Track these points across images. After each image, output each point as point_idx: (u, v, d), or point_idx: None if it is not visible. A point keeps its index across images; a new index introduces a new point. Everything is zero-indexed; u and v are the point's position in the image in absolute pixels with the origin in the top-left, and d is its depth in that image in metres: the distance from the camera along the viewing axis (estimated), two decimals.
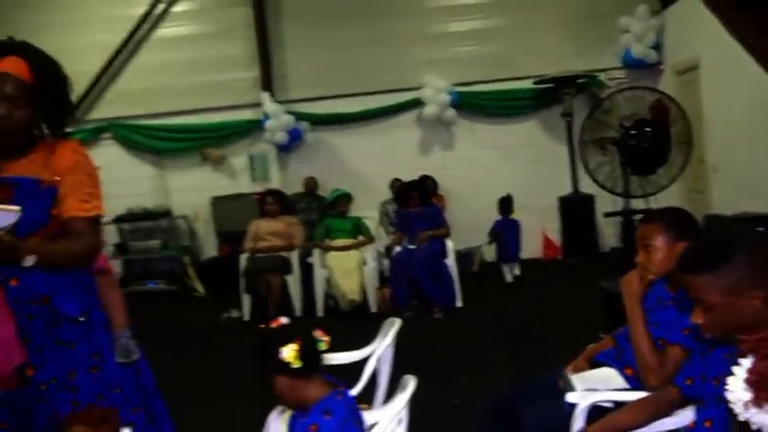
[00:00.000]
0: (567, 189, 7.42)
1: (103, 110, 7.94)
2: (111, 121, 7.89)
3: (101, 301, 1.88)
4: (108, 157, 7.80)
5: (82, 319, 1.72)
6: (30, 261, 1.54)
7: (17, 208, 1.47)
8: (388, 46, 7.59)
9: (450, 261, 5.71)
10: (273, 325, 1.75)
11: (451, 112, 7.36)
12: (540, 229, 7.50)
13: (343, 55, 7.62)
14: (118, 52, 7.71)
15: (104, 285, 1.96)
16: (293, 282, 5.89)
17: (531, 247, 7.31)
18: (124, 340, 1.91)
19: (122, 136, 7.93)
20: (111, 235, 7.77)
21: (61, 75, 1.77)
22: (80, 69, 7.59)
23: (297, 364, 1.62)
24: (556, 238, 7.52)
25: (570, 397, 1.90)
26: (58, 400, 1.67)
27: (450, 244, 5.80)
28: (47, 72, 1.70)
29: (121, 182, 7.64)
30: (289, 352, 1.61)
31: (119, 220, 7.72)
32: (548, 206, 7.46)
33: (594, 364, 2.14)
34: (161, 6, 7.72)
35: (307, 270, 6.05)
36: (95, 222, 1.74)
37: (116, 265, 7.85)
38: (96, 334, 1.78)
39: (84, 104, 7.78)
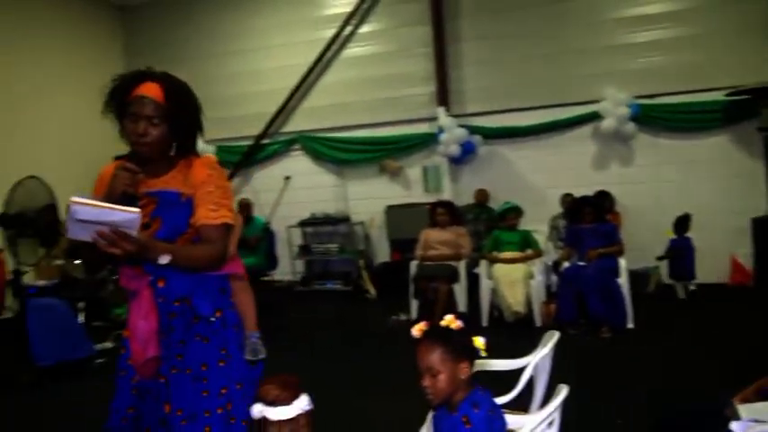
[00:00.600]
0: (762, 210, 6.77)
1: (294, 124, 8.78)
2: (301, 133, 8.70)
3: (233, 303, 2.02)
4: (296, 167, 8.66)
5: (213, 318, 1.89)
6: (164, 260, 1.69)
7: (137, 210, 1.58)
8: (564, 60, 7.50)
9: (623, 280, 5.50)
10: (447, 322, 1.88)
11: (631, 126, 7.06)
12: (727, 252, 6.91)
13: (518, 70, 7.68)
14: (309, 71, 8.48)
15: (238, 289, 2.11)
16: (460, 290, 6.06)
17: (717, 271, 6.79)
18: (253, 340, 2.09)
19: (310, 147, 8.68)
20: (296, 237, 8.55)
21: (193, 99, 1.92)
22: (276, 87, 8.57)
23: (484, 354, 1.77)
24: (747, 262, 6.88)
25: (735, 426, 1.85)
26: (192, 389, 1.83)
27: (623, 262, 5.59)
28: (179, 96, 1.85)
29: (307, 189, 8.42)
30: (480, 341, 1.77)
31: (303, 223, 8.45)
32: (738, 227, 6.84)
33: (764, 396, 2.05)
34: (348, 29, 8.36)
35: (473, 280, 6.20)
36: (224, 229, 1.86)
37: (299, 265, 8.62)
38: (227, 331, 1.92)
39: (278, 119, 8.69)
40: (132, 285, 1.87)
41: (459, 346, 1.78)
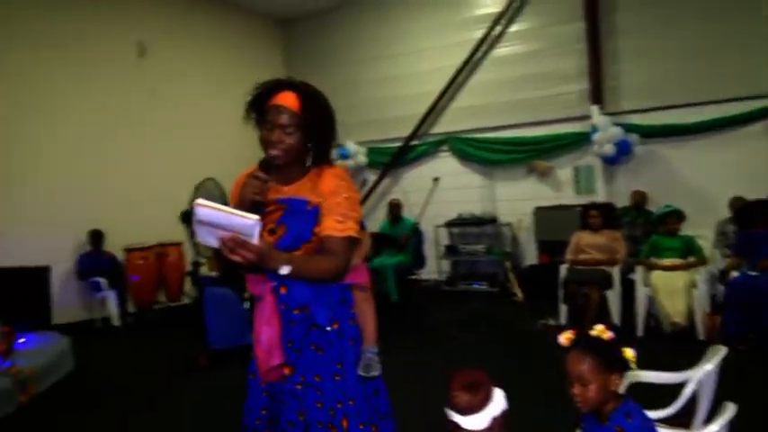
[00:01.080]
0: None
1: (443, 125, 8.90)
2: (450, 134, 8.79)
3: (354, 315, 1.98)
4: (444, 167, 8.76)
5: (328, 328, 1.86)
6: (285, 270, 1.67)
7: (256, 217, 1.56)
8: (732, 51, 6.88)
9: None
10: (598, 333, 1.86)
11: None
12: None
13: (679, 63, 7.17)
14: (458, 72, 8.54)
15: (360, 300, 2.03)
16: (613, 297, 5.81)
17: None
18: (369, 355, 1.98)
19: (457, 148, 8.74)
20: (442, 237, 8.65)
21: (329, 109, 1.90)
22: (426, 90, 8.74)
23: (634, 368, 1.75)
24: None
25: None
26: (307, 397, 1.83)
27: None
28: (315, 106, 1.84)
29: (454, 189, 8.49)
30: (631, 352, 1.75)
31: (450, 224, 8.54)
32: None
33: None
34: (498, 28, 8.31)
35: (628, 286, 5.90)
36: (348, 242, 1.82)
37: (445, 265, 8.71)
38: (343, 344, 1.90)
39: (427, 121, 8.85)
40: (257, 290, 1.89)
41: (609, 358, 1.76)
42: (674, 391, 2.40)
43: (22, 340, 4.99)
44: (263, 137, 1.81)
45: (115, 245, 7.27)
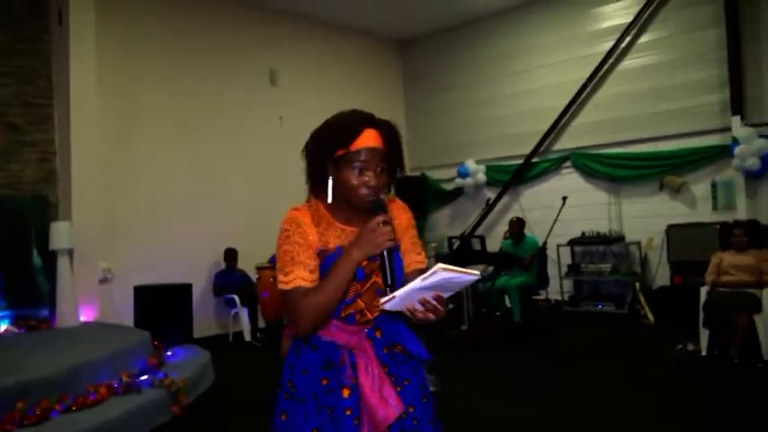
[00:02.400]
0: None
1: (566, 141, 8.69)
2: (573, 150, 8.56)
3: None
4: (567, 184, 8.53)
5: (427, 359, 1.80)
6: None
7: (477, 271, 1.53)
8: None
9: None
10: None
11: None
12: None
13: None
14: (583, 87, 8.32)
15: None
16: (762, 322, 5.36)
17: None
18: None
19: (582, 164, 8.48)
20: (565, 256, 8.39)
21: (400, 140, 1.77)
22: (547, 106, 8.61)
23: None
24: None
25: None
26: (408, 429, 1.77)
27: None
28: (398, 144, 1.75)
29: (578, 207, 8.22)
30: None
31: (573, 242, 8.27)
32: None
33: None
34: (626, 40, 8.02)
35: None
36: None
37: (567, 285, 8.44)
38: (420, 368, 1.85)
39: (549, 137, 8.68)
40: (349, 340, 1.74)
41: None
42: None
43: (169, 353, 5.38)
44: (353, 179, 1.65)
45: (248, 263, 7.67)
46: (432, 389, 1.89)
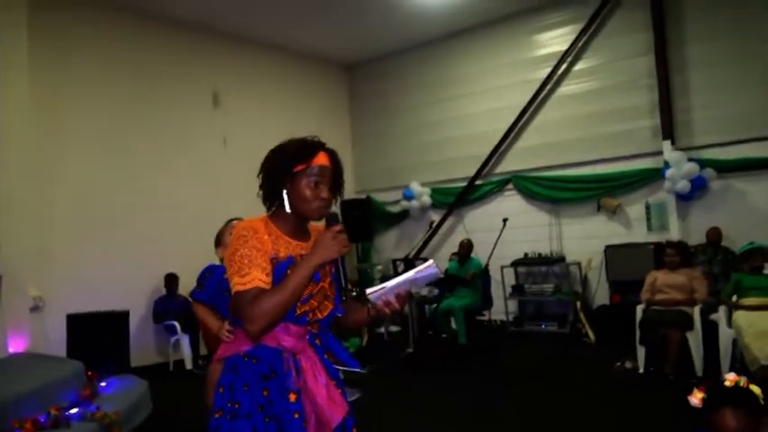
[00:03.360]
0: None
1: (508, 164, 8.88)
2: (515, 173, 8.75)
3: None
4: (509, 206, 8.71)
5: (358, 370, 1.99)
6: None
7: (430, 260, 1.88)
8: None
9: None
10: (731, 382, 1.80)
11: None
12: None
13: (754, 95, 6.93)
14: (522, 112, 8.54)
15: None
16: (693, 339, 5.55)
17: None
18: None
19: (523, 187, 8.67)
20: (508, 277, 8.51)
21: (342, 168, 1.96)
22: (489, 129, 8.82)
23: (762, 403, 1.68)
24: None
25: None
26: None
27: None
28: (340, 166, 1.93)
29: (520, 229, 8.39)
30: (757, 389, 1.68)
31: (516, 263, 8.41)
32: None
33: None
34: (563, 67, 8.30)
35: (710, 328, 5.64)
36: None
37: (512, 305, 8.56)
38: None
39: (492, 160, 8.86)
40: (294, 344, 1.84)
41: (757, 405, 1.69)
42: None
43: (104, 384, 5.16)
44: (308, 193, 1.83)
45: (189, 289, 7.47)
46: (349, 398, 1.98)
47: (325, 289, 1.89)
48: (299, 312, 1.80)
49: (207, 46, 8.48)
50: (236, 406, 1.78)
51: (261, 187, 1.92)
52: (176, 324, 7.10)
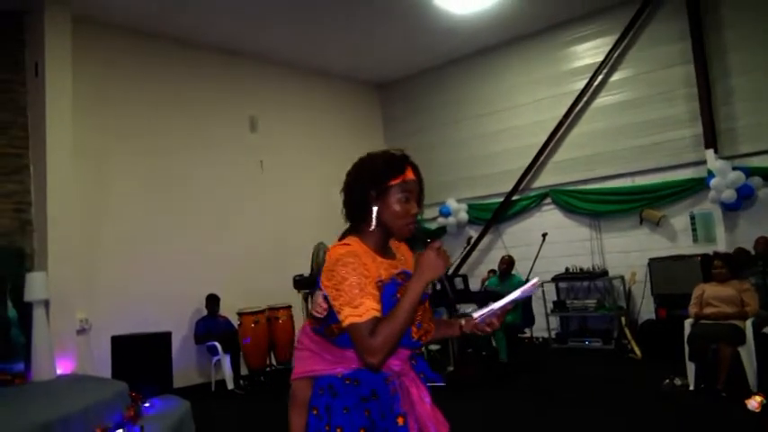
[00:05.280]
0: None
1: (545, 178, 8.79)
2: (552, 187, 8.64)
3: None
4: (548, 221, 8.59)
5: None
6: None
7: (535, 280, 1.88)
8: None
9: None
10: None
11: None
12: None
13: None
14: (559, 125, 8.45)
15: None
16: (746, 353, 5.34)
17: None
18: None
19: (561, 201, 8.55)
20: (549, 293, 8.37)
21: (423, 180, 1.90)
22: (526, 144, 8.72)
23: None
24: None
25: None
26: None
27: None
28: (421, 179, 1.88)
29: (560, 243, 8.26)
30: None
31: (557, 278, 8.26)
32: None
33: None
34: (599, 78, 8.20)
35: (763, 341, 5.42)
36: None
37: (553, 322, 8.40)
38: None
39: (528, 174, 8.77)
40: (402, 368, 1.82)
41: None
42: None
43: (147, 405, 5.22)
44: (400, 209, 1.78)
45: (230, 309, 7.56)
46: None
47: (427, 309, 1.86)
48: (416, 338, 1.78)
49: (242, 71, 8.65)
50: (339, 431, 1.71)
51: (345, 204, 1.84)
52: (217, 345, 7.16)
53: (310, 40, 8.46)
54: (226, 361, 7.16)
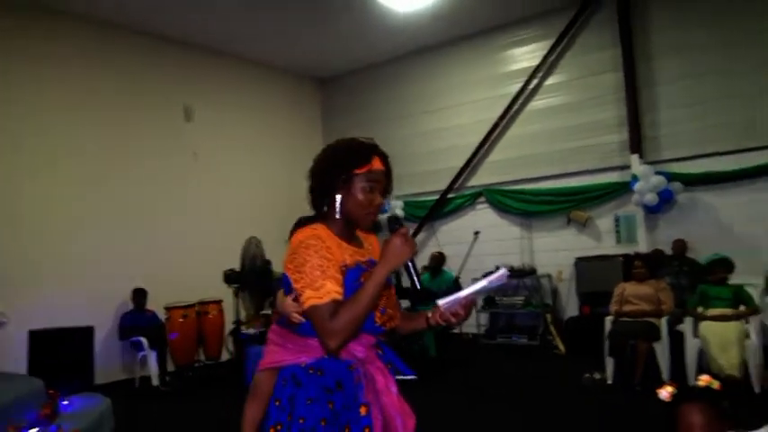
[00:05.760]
0: None
1: (480, 177, 8.95)
2: (487, 186, 8.81)
3: None
4: (482, 220, 8.75)
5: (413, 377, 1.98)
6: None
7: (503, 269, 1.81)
8: None
9: None
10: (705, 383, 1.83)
11: None
12: None
13: (722, 109, 7.07)
14: (494, 126, 8.63)
15: None
16: (661, 349, 5.61)
17: None
18: None
19: (495, 200, 8.73)
20: None
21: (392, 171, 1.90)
22: (462, 143, 8.85)
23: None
24: None
25: None
26: None
27: None
28: (390, 170, 1.87)
29: (492, 242, 8.43)
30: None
31: (487, 276, 8.39)
32: None
33: None
34: (534, 82, 8.41)
35: (677, 338, 5.70)
36: None
37: (483, 318, 8.57)
38: None
39: (464, 173, 8.91)
40: (361, 353, 1.79)
41: (724, 408, 1.71)
42: None
43: (65, 402, 5.02)
44: (363, 198, 1.77)
45: (157, 304, 7.36)
46: None
47: (393, 295, 1.85)
48: (379, 322, 1.76)
49: (175, 59, 8.40)
50: (301, 421, 1.68)
51: (311, 190, 1.83)
52: (143, 340, 6.96)
53: (251, 31, 8.32)
54: (152, 357, 6.96)
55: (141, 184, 7.78)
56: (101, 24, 7.52)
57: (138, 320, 7.15)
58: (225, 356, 7.70)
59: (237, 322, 5.67)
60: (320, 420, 1.68)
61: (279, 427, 1.71)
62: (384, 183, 1.83)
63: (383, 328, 1.78)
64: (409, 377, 1.89)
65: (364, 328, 1.70)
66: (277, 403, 1.74)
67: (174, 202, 8.05)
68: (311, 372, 1.74)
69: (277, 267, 7.02)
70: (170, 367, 7.32)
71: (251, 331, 6.63)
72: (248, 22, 8.03)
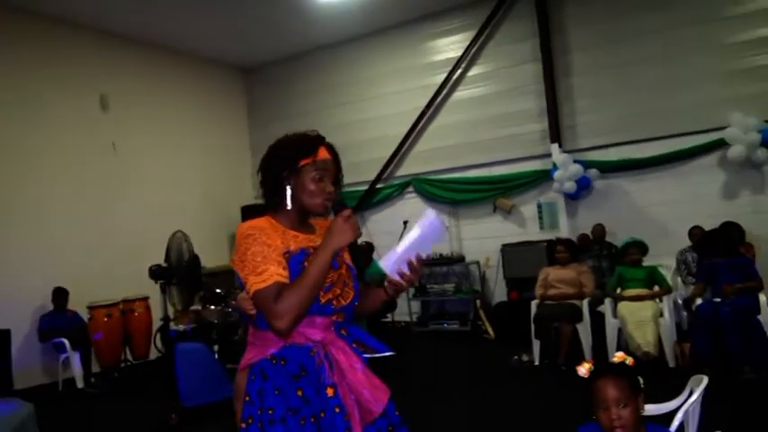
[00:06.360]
0: None
1: (408, 167, 9.06)
2: (414, 176, 8.93)
3: None
4: (411, 209, 8.84)
5: (388, 354, 1.97)
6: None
7: (432, 211, 1.85)
8: (683, 86, 7.21)
9: (765, 317, 5.13)
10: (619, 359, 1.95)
11: (763, 152, 6.66)
12: None
13: (634, 100, 7.47)
14: (421, 116, 8.73)
15: None
16: (583, 330, 5.89)
17: None
18: None
19: (423, 189, 8.86)
20: None
21: (340, 162, 1.96)
22: (390, 133, 8.90)
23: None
24: None
25: None
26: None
27: (763, 298, 5.23)
28: (339, 160, 1.94)
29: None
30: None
31: None
32: None
33: None
34: (458, 72, 8.56)
35: (598, 319, 6.00)
36: None
37: (415, 306, 8.71)
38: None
39: (392, 164, 8.98)
40: (321, 336, 1.79)
41: (637, 382, 1.86)
42: (661, 421, 2.43)
43: None
44: (314, 187, 1.82)
45: (79, 303, 7.06)
46: None
47: (344, 276, 1.85)
48: (323, 301, 1.76)
49: (90, 46, 8.01)
50: (270, 412, 1.69)
51: (261, 185, 1.89)
52: (65, 341, 6.67)
53: (174, 19, 8.05)
54: (75, 358, 6.69)
55: (58, 177, 7.41)
56: (10, 11, 7.09)
57: (58, 321, 6.84)
58: (154, 355, 7.48)
59: (165, 319, 5.52)
60: (289, 410, 1.70)
61: (250, 421, 1.72)
62: (334, 171, 1.89)
63: (330, 307, 1.79)
64: (385, 354, 1.90)
65: (312, 310, 1.73)
66: (247, 398, 1.76)
67: (94, 196, 7.72)
68: (275, 362, 1.76)
69: (207, 262, 6.89)
70: (95, 368, 7.06)
71: (180, 328, 6.45)
72: (167, 10, 7.76)
